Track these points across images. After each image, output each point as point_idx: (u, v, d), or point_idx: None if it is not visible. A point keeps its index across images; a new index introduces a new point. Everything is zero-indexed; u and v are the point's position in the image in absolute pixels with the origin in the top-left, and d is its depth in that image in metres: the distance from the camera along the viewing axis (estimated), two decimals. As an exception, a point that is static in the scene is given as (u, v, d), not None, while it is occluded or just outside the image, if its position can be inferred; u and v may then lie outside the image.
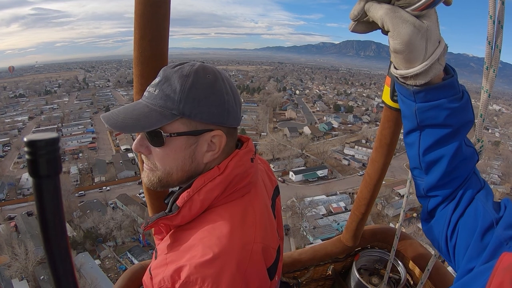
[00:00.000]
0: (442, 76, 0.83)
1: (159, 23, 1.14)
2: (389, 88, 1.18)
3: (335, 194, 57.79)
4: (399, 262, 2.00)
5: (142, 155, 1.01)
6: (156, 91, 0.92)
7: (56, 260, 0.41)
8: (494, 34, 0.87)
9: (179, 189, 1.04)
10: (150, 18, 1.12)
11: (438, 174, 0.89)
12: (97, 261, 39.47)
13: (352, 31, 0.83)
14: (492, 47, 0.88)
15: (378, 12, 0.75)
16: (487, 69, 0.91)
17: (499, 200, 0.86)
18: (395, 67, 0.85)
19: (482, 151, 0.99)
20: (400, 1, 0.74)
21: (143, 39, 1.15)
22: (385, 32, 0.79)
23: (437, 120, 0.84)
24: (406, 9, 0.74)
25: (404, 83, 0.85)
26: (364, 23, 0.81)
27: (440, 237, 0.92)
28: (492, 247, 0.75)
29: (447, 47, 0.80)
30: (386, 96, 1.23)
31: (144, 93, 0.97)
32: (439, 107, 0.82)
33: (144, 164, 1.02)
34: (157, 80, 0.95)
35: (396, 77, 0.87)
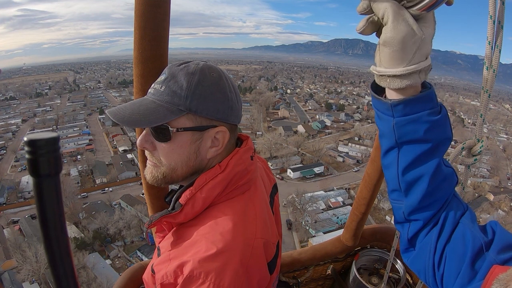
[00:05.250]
0: (420, 90, 0.82)
1: (159, 23, 1.14)
2: None
3: (332, 190, 59.64)
4: (399, 261, 2.00)
5: (145, 152, 1.03)
6: (163, 88, 0.94)
7: (56, 260, 0.41)
8: (494, 34, 0.87)
9: (180, 187, 1.07)
10: (150, 18, 1.12)
11: (419, 195, 0.85)
12: (108, 261, 40.10)
13: (360, 33, 0.80)
14: (492, 47, 0.88)
15: (383, 3, 0.73)
16: (487, 69, 0.91)
17: (484, 224, 0.84)
18: (375, 65, 0.82)
19: (482, 151, 0.99)
20: (404, 0, 0.73)
21: (143, 39, 1.15)
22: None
23: (417, 134, 0.81)
24: (410, 9, 0.73)
25: (377, 90, 0.84)
26: (371, 24, 0.78)
27: (427, 267, 0.86)
28: (484, 272, 0.73)
29: (431, 67, 0.80)
30: None
31: (149, 90, 0.99)
32: (418, 120, 0.80)
33: (147, 161, 1.03)
34: (162, 77, 0.96)
35: (373, 85, 0.86)
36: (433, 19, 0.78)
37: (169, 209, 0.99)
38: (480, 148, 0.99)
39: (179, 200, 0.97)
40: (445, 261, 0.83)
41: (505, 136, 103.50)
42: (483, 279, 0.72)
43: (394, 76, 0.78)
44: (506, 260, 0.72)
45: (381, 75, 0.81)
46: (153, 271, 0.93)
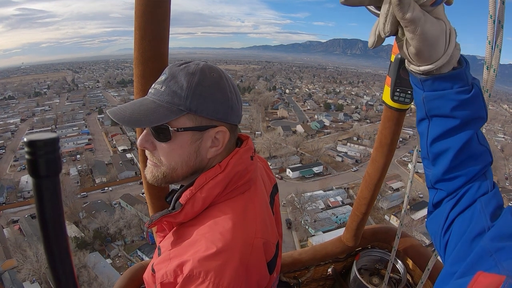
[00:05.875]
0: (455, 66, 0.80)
1: (159, 23, 1.14)
2: (389, 88, 1.18)
3: (331, 189, 59.82)
4: (400, 262, 2.00)
5: (146, 152, 1.03)
6: (163, 88, 0.94)
7: (56, 260, 0.41)
8: (494, 34, 0.86)
9: (180, 187, 1.07)
10: (150, 18, 1.11)
11: (443, 167, 0.87)
12: (108, 260, 40.08)
13: (374, 48, 0.79)
14: (492, 47, 0.88)
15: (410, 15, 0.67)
16: (487, 69, 0.91)
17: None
18: (412, 63, 0.80)
19: None
20: None
21: (143, 39, 1.15)
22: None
23: (443, 110, 0.82)
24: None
25: (418, 73, 0.81)
26: (380, 38, 0.76)
27: (437, 231, 0.91)
28: (475, 256, 0.73)
29: (455, 30, 0.75)
30: (386, 96, 1.24)
31: (150, 90, 0.99)
32: (445, 97, 0.80)
33: (148, 160, 1.03)
34: (163, 77, 0.96)
35: (412, 71, 0.83)
36: None
37: (170, 208, 0.99)
38: None
39: (179, 199, 0.97)
40: (451, 231, 0.86)
41: (503, 136, 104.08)
42: (473, 268, 0.71)
43: (441, 66, 0.77)
44: (497, 249, 0.71)
45: (429, 71, 0.80)
46: (153, 270, 0.93)
